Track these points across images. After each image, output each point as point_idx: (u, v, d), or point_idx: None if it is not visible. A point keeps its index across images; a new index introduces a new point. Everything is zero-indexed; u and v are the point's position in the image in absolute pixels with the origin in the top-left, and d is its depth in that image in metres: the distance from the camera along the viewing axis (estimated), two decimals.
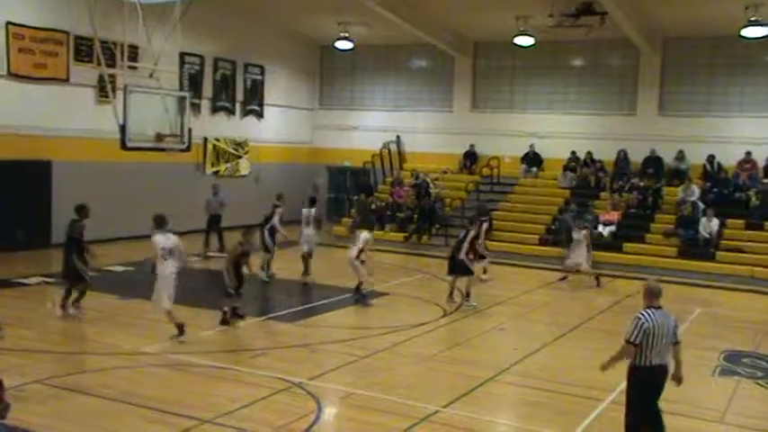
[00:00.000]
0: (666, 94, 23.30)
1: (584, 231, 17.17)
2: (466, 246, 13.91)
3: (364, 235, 13.98)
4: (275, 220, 16.30)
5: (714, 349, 11.68)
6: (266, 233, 16.15)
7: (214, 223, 19.76)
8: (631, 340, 6.95)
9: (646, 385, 7.04)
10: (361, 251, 13.86)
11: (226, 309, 12.06)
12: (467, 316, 13.57)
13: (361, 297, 14.19)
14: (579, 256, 16.99)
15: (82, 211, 12.46)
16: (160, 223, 11.09)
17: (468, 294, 13.94)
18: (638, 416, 7.10)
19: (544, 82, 25.00)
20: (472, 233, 14.24)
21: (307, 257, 16.69)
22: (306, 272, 16.66)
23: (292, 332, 12.13)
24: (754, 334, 13.16)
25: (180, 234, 21.25)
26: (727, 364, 11.05)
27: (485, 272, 16.65)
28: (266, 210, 16.77)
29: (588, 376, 9.99)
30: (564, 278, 17.38)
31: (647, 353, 6.94)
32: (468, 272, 13.94)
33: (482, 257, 15.84)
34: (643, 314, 7.03)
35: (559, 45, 23.99)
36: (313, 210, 16.83)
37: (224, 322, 11.98)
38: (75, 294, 12.31)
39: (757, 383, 10.16)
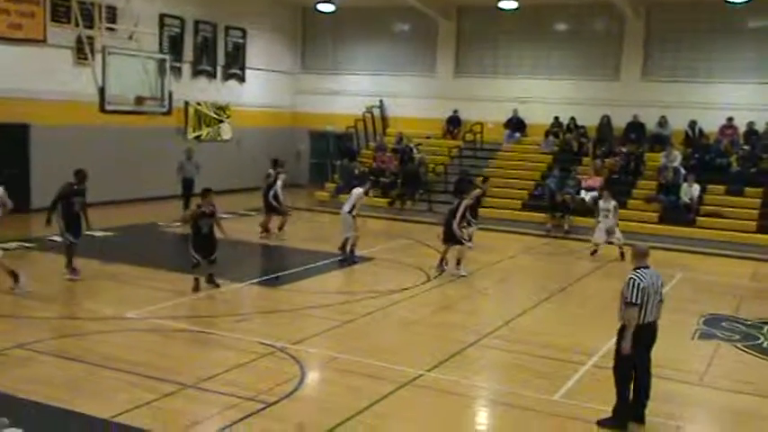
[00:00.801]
0: (650, 60, 23.23)
1: (613, 202, 16.30)
2: (459, 215, 13.94)
3: (357, 191, 14.75)
4: (278, 185, 16.67)
5: (694, 313, 11.81)
6: (270, 198, 16.60)
7: (189, 188, 19.61)
8: (634, 301, 6.98)
9: (638, 343, 7.08)
10: (353, 207, 14.44)
11: (196, 276, 11.93)
12: (450, 281, 13.61)
13: (347, 256, 14.49)
14: (610, 228, 16.16)
15: (78, 175, 12.29)
16: None
17: (458, 263, 13.98)
18: (627, 371, 7.18)
19: (528, 47, 24.81)
20: (466, 202, 14.27)
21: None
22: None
23: (275, 297, 12.12)
24: (732, 298, 13.34)
25: (160, 199, 21.32)
26: (706, 327, 11.18)
27: (470, 238, 16.64)
28: (252, 173, 16.77)
29: (571, 340, 10.10)
30: (595, 252, 16.55)
31: (642, 311, 7.02)
32: (457, 241, 13.97)
33: (468, 224, 15.90)
34: (636, 274, 7.09)
35: (543, 9, 23.80)
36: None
37: (195, 289, 11.85)
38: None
39: (735, 346, 10.30)
